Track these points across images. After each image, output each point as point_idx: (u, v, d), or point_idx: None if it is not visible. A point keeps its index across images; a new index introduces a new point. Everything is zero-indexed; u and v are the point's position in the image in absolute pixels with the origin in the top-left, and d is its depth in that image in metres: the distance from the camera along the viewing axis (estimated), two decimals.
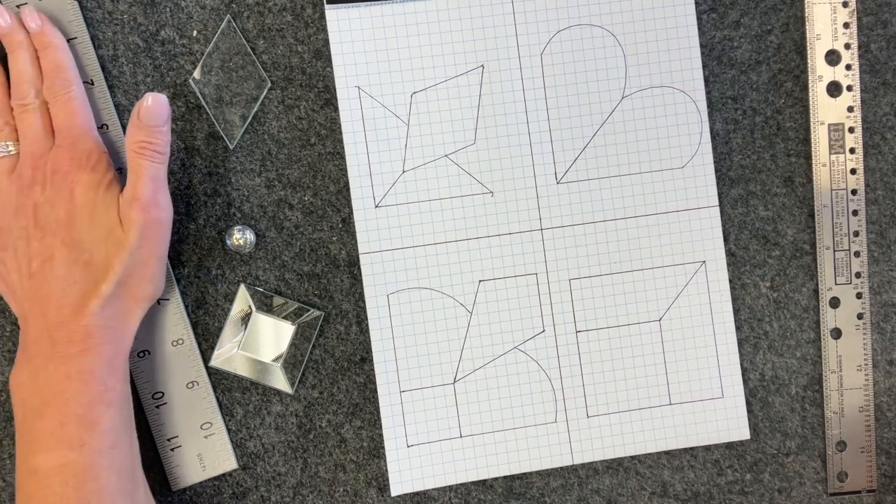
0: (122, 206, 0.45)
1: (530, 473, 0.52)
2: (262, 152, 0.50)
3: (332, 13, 0.50)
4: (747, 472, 0.53)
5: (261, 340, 0.50)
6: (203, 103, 0.50)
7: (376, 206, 0.51)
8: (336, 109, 0.51)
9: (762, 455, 0.53)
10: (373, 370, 0.51)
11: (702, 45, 0.53)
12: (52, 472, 0.41)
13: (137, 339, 0.48)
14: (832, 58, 0.53)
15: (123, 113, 0.50)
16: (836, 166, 0.53)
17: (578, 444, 0.52)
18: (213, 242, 0.50)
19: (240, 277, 0.50)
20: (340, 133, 0.51)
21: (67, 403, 0.42)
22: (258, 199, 0.50)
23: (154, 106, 0.44)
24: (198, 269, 0.50)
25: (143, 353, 0.49)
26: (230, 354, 0.50)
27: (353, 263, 0.51)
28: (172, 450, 0.49)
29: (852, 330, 0.53)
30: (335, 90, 0.51)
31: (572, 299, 0.52)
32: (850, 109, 0.53)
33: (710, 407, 0.53)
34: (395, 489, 0.51)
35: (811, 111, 0.53)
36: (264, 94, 0.50)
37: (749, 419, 0.53)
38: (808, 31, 0.53)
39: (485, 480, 0.52)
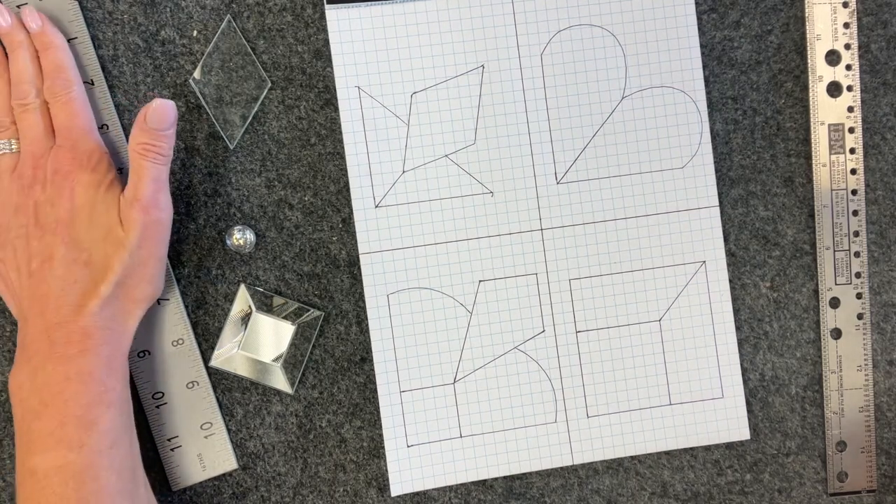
0: (123, 206, 0.45)
1: (530, 473, 0.52)
2: (262, 152, 0.50)
3: (332, 13, 0.50)
4: (747, 472, 0.53)
5: (261, 340, 0.50)
6: (203, 103, 0.50)
7: (376, 206, 0.51)
8: (336, 109, 0.51)
9: (762, 455, 0.53)
10: (373, 370, 0.51)
11: (702, 45, 0.53)
12: (51, 472, 0.41)
13: (137, 339, 0.48)
14: (832, 58, 0.53)
15: (124, 113, 0.50)
16: (836, 166, 0.53)
17: (578, 444, 0.52)
18: (213, 242, 0.50)
19: (240, 277, 0.50)
20: (340, 133, 0.51)
21: (66, 404, 0.42)
22: (258, 199, 0.51)
23: (161, 110, 0.44)
24: (198, 269, 0.50)
25: (143, 353, 0.49)
26: (230, 354, 0.50)
27: (353, 263, 0.51)
28: (172, 450, 0.49)
29: (852, 330, 0.53)
30: (335, 90, 0.51)
31: (572, 299, 0.52)
32: (850, 109, 0.53)
33: (710, 407, 0.53)
34: (395, 489, 0.51)
35: (811, 111, 0.53)
36: (264, 94, 0.50)
37: (749, 419, 0.53)
38: (808, 31, 0.53)
39: (485, 480, 0.52)
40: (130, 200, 0.45)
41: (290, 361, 0.50)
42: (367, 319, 0.51)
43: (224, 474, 0.50)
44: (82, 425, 0.42)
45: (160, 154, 0.45)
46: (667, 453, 0.53)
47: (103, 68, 0.49)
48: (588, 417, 0.52)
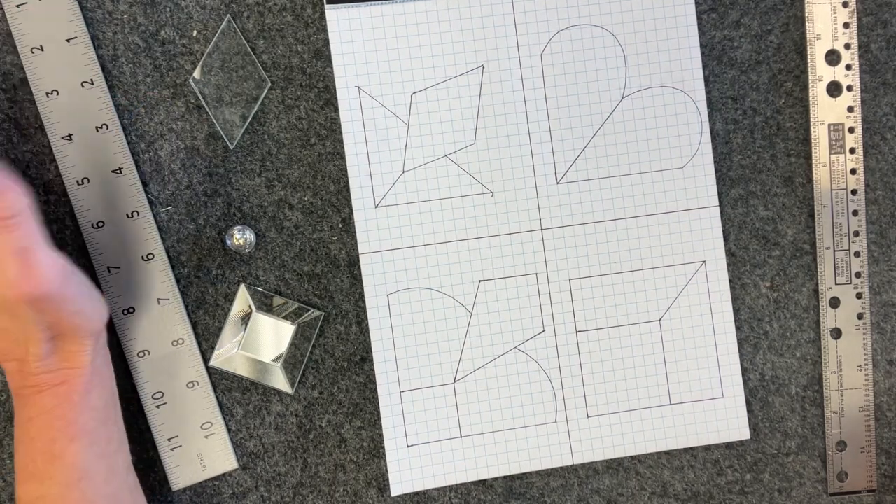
0: (4, 284, 0.38)
1: (530, 473, 0.52)
2: (262, 152, 0.50)
3: (332, 13, 0.50)
4: (747, 472, 0.53)
5: (261, 340, 0.50)
6: (203, 103, 0.50)
7: (376, 206, 0.51)
8: (336, 109, 0.51)
9: (762, 455, 0.53)
10: (373, 370, 0.51)
11: (702, 45, 0.53)
12: (28, 503, 0.43)
13: (137, 339, 0.48)
14: (832, 58, 0.53)
15: (123, 113, 0.50)
16: (836, 166, 0.53)
17: (578, 444, 0.52)
18: (213, 242, 0.50)
19: (240, 277, 0.50)
20: (340, 133, 0.51)
21: (33, 441, 0.43)
22: (258, 199, 0.51)
23: None
24: (198, 269, 0.50)
25: (143, 353, 0.49)
26: (230, 354, 0.50)
27: (353, 263, 0.51)
28: (172, 450, 0.49)
29: (852, 330, 0.53)
30: (335, 90, 0.51)
31: (572, 299, 0.52)
32: (850, 109, 0.53)
33: (710, 407, 0.53)
34: (395, 489, 0.51)
35: (811, 111, 0.53)
36: (264, 94, 0.50)
37: (749, 419, 0.53)
38: (808, 31, 0.53)
39: (485, 480, 0.52)
40: (6, 281, 0.38)
41: (290, 361, 0.50)
42: (367, 319, 0.51)
43: (224, 474, 0.50)
44: (47, 459, 0.42)
45: (7, 218, 0.37)
46: (667, 453, 0.53)
47: (103, 68, 0.49)
48: (588, 417, 0.52)
